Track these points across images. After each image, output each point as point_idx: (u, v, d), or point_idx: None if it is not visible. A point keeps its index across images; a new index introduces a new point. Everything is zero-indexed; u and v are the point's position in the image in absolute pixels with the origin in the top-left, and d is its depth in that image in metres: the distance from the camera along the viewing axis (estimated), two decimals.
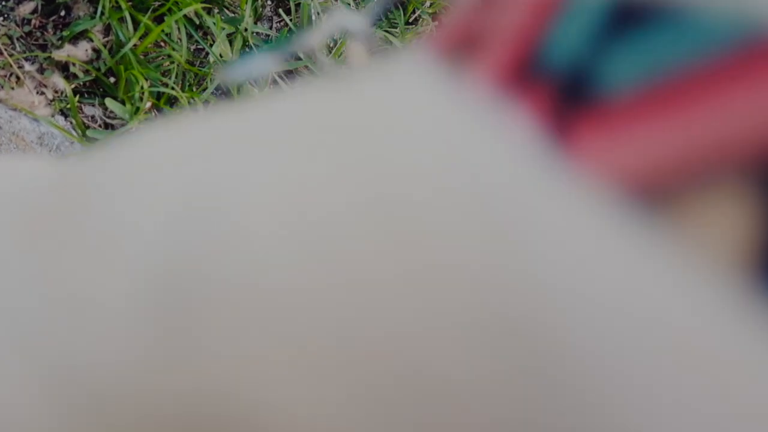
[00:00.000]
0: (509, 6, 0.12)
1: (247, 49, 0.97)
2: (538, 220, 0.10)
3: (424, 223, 0.11)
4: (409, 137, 0.12)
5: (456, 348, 0.10)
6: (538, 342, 0.09)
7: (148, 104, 0.90)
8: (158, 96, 0.92)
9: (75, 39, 0.89)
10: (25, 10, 0.87)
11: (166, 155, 0.15)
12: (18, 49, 0.87)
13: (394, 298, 0.10)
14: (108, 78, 0.91)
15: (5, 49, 0.85)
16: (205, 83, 0.96)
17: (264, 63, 0.33)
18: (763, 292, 0.08)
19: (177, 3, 0.92)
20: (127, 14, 0.88)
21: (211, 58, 0.95)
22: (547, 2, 0.11)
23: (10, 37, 0.85)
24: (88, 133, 0.87)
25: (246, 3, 0.96)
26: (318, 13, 1.01)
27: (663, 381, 0.09)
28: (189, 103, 0.94)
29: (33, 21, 0.89)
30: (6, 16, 0.87)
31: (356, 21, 0.25)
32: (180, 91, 0.92)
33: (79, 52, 0.89)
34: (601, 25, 0.10)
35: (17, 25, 0.87)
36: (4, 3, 0.86)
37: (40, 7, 0.89)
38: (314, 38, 0.30)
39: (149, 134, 0.17)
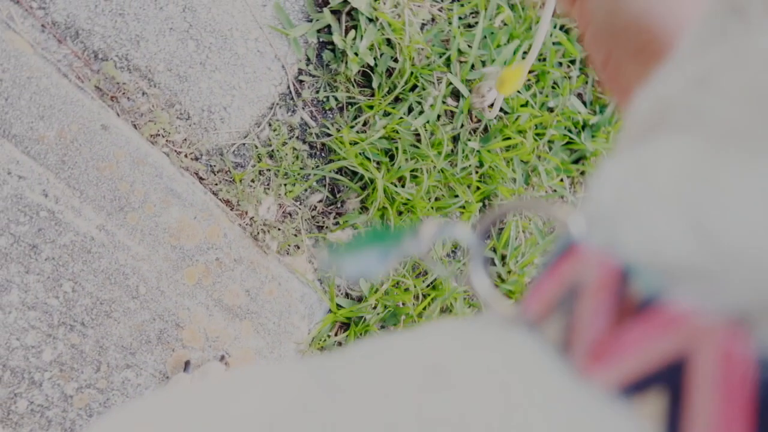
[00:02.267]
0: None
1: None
2: None
3: None
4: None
5: None
6: None
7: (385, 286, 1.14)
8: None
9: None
10: (314, 198, 1.13)
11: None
12: (305, 227, 1.11)
13: None
14: None
15: (296, 225, 1.10)
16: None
17: (374, 262, 0.31)
18: None
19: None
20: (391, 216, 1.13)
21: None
22: (742, 385, 0.12)
23: (302, 217, 1.11)
24: (337, 300, 1.12)
25: None
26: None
27: None
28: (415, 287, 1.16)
29: (318, 207, 1.15)
30: (302, 201, 1.11)
31: (465, 233, 0.25)
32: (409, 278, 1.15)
33: (344, 236, 1.15)
34: None
35: (308, 209, 1.12)
36: (303, 192, 1.11)
37: (325, 199, 1.14)
38: (423, 243, 0.29)
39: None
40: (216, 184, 1.06)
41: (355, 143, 1.12)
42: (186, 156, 1.03)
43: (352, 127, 1.14)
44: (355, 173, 1.15)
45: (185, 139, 1.04)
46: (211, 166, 1.06)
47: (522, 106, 1.28)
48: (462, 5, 1.25)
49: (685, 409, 0.12)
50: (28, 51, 0.85)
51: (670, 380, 0.13)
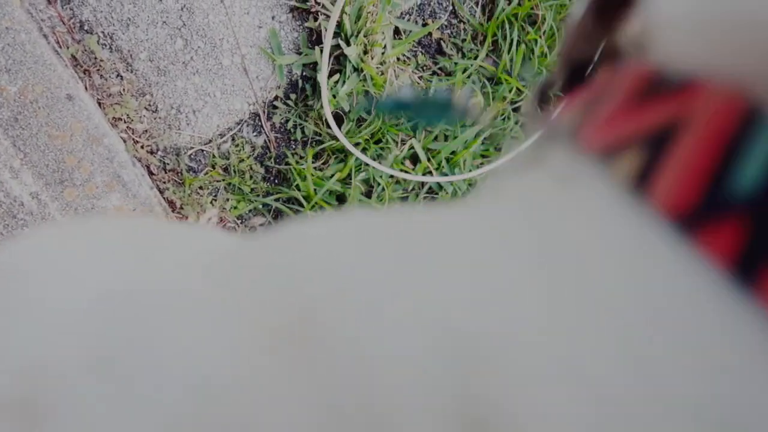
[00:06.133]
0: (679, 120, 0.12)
1: None
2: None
3: None
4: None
5: None
6: None
7: None
8: None
9: None
10: (256, 221, 1.15)
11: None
12: None
13: None
14: None
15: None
16: None
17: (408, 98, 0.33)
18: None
19: None
20: None
21: None
22: (724, 129, 0.10)
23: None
24: None
25: None
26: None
27: None
28: None
29: (257, 231, 1.17)
30: (244, 221, 1.14)
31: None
32: None
33: None
34: None
35: (247, 230, 1.14)
36: (247, 212, 1.13)
37: (267, 224, 1.16)
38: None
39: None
40: (164, 182, 1.05)
41: (313, 179, 1.15)
42: (143, 147, 1.02)
43: (312, 162, 1.17)
44: (302, 206, 1.17)
45: (146, 131, 1.02)
46: (164, 163, 1.05)
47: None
48: (441, 80, 1.34)
49: (660, 160, 0.11)
50: (16, 2, 0.83)
51: (654, 140, 0.12)
